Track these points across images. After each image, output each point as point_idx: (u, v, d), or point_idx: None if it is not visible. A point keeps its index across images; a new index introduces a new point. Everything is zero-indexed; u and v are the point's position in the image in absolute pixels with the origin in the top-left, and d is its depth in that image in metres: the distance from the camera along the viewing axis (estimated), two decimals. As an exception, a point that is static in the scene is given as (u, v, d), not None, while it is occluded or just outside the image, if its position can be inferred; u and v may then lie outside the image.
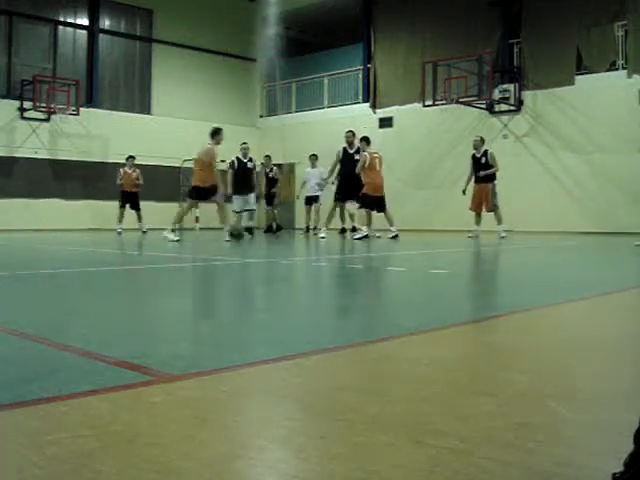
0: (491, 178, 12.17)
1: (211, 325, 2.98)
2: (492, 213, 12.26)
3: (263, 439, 1.38)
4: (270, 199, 15.47)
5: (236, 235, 10.58)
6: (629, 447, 1.01)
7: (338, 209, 12.86)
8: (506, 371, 2.00)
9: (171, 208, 20.35)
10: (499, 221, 12.20)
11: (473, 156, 12.44)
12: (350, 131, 12.90)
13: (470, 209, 12.42)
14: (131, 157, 15.12)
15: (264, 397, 1.70)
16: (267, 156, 15.59)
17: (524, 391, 1.75)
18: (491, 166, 12.15)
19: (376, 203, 11.71)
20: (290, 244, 11.37)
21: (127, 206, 14.96)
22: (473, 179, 12.44)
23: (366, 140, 12.08)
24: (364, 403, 1.62)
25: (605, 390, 1.81)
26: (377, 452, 1.27)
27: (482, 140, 12.52)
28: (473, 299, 4.10)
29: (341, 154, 12.55)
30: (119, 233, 14.32)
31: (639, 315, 3.49)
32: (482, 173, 12.12)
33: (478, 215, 12.36)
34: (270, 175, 15.35)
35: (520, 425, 1.44)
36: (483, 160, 12.22)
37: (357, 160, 12.04)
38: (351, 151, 12.51)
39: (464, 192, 12.41)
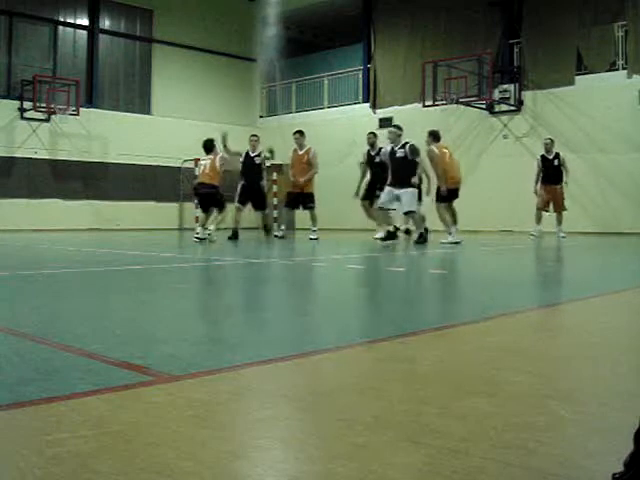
0: (561, 179, 12.17)
1: (211, 325, 2.98)
2: (556, 213, 12.23)
3: (263, 439, 1.38)
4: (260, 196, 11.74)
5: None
6: (629, 447, 1.01)
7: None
8: (506, 371, 2.00)
9: (171, 208, 20.47)
10: (560, 222, 12.18)
11: (543, 157, 12.34)
12: (371, 132, 12.13)
13: (538, 208, 12.29)
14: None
15: (264, 397, 1.70)
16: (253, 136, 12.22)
17: (524, 391, 1.75)
18: (560, 168, 12.14)
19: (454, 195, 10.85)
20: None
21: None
22: (539, 179, 12.34)
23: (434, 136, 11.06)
24: (364, 403, 1.62)
25: (605, 390, 1.81)
26: (377, 452, 1.27)
27: (552, 142, 12.49)
28: (477, 299, 4.10)
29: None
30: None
31: (639, 315, 3.49)
32: (565, 180, 12.10)
33: (540, 214, 12.26)
34: (258, 161, 11.73)
35: (520, 425, 1.44)
36: (556, 162, 12.22)
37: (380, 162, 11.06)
38: (372, 153, 11.72)
39: (536, 193, 12.30)
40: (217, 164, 10.94)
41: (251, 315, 3.33)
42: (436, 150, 10.78)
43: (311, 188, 11.94)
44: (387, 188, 10.14)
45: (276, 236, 11.74)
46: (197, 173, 11.36)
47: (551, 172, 12.22)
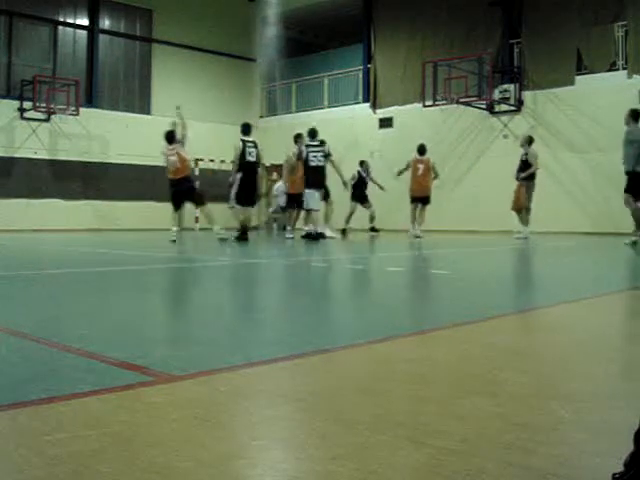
0: (527, 177, 12.08)
1: (211, 325, 2.98)
2: (517, 212, 12.19)
3: (263, 439, 1.38)
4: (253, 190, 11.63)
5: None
6: (629, 447, 1.01)
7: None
8: (506, 371, 2.00)
9: (171, 208, 20.40)
10: (523, 222, 12.05)
11: (522, 155, 12.37)
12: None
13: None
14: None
15: (264, 397, 1.70)
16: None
17: (524, 391, 1.75)
18: (530, 165, 12.01)
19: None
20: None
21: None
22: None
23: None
24: (364, 403, 1.62)
25: (605, 390, 1.81)
26: (377, 452, 1.27)
27: (527, 138, 12.39)
28: (475, 299, 4.10)
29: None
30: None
31: (638, 315, 3.48)
32: (521, 175, 12.06)
33: (525, 214, 12.19)
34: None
35: (520, 425, 1.44)
36: (524, 158, 12.14)
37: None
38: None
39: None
40: (184, 154, 10.80)
41: (251, 315, 3.33)
42: (410, 161, 13.16)
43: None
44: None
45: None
46: (170, 168, 10.89)
47: (518, 169, 12.20)
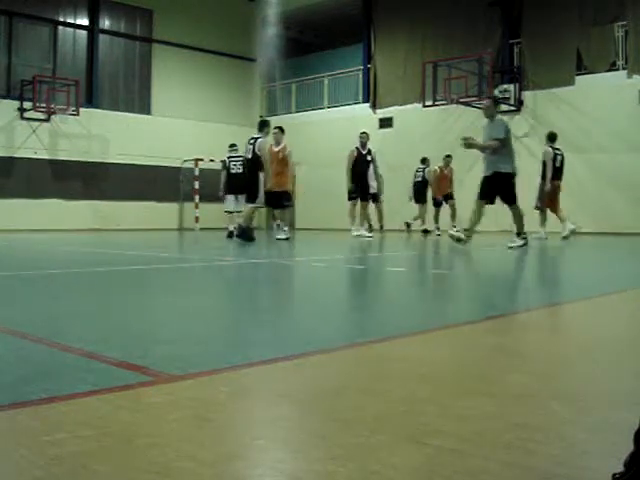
0: (541, 177, 11.97)
1: (211, 325, 2.98)
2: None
3: (263, 439, 1.38)
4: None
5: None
6: (629, 447, 1.00)
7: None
8: (506, 371, 2.00)
9: (171, 208, 20.46)
10: (541, 223, 11.91)
11: None
12: (364, 132, 13.58)
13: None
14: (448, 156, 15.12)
15: (264, 397, 1.70)
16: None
17: (524, 391, 1.75)
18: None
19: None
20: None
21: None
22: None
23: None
24: (364, 403, 1.62)
25: (605, 390, 1.81)
26: (377, 452, 1.27)
27: (547, 136, 12.20)
28: (476, 299, 4.10)
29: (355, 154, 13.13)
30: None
31: (639, 315, 3.48)
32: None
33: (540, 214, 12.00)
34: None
35: (520, 426, 1.44)
36: None
37: (369, 161, 13.06)
38: (363, 152, 13.18)
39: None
40: None
41: (251, 315, 3.32)
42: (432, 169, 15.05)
43: (289, 186, 11.88)
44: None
45: (279, 239, 11.67)
46: None
47: None
